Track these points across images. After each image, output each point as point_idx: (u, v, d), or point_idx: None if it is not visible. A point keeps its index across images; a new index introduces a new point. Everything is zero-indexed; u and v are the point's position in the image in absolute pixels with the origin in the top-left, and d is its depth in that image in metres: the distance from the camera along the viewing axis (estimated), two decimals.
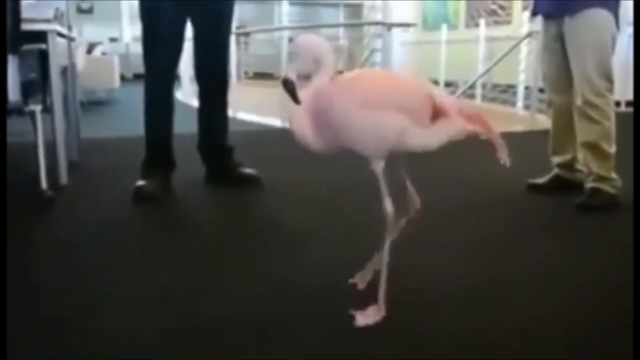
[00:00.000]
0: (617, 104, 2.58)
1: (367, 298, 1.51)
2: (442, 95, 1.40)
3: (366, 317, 1.43)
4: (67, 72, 3.34)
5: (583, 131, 2.55)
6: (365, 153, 1.37)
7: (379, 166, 1.38)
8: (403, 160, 1.50)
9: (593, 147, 2.52)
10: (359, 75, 1.48)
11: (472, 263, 1.90)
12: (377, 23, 5.44)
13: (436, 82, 9.42)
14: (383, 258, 1.44)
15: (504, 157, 1.40)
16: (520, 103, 6.82)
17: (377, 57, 5.02)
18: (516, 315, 1.53)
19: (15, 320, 1.42)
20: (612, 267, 1.89)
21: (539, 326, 1.47)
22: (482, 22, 8.88)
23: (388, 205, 1.41)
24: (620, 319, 1.50)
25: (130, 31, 13.18)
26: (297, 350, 1.34)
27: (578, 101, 2.52)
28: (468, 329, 1.44)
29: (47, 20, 2.68)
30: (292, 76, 1.38)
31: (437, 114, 1.36)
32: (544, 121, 4.37)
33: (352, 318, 1.43)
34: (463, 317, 1.51)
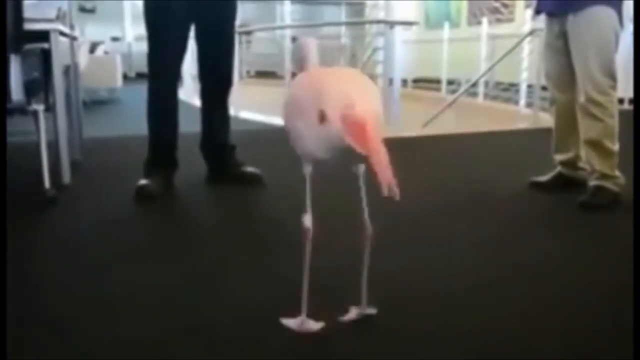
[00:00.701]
0: (621, 101, 2.57)
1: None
2: (338, 97, 1.21)
3: (292, 322, 1.40)
4: (70, 71, 3.35)
5: (586, 129, 2.54)
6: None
7: (306, 170, 1.34)
8: (359, 177, 1.38)
9: (596, 145, 2.52)
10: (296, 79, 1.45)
11: (472, 262, 1.90)
12: (379, 21, 5.42)
13: (438, 81, 9.43)
14: (304, 272, 1.36)
15: (385, 187, 1.10)
16: (522, 101, 6.81)
17: (380, 55, 5.01)
18: (516, 315, 1.52)
19: (15, 321, 1.42)
20: (614, 267, 1.89)
21: (539, 326, 1.46)
22: (484, 20, 8.88)
23: (307, 220, 1.34)
24: (621, 318, 1.50)
25: (132, 31, 13.20)
26: (297, 350, 1.34)
27: (581, 99, 2.51)
28: (467, 329, 1.44)
29: (50, 20, 2.68)
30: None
31: (322, 118, 1.21)
32: (546, 119, 4.36)
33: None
34: (462, 317, 1.51)
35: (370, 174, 1.14)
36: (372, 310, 1.46)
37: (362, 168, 1.37)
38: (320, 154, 1.26)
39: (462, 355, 1.33)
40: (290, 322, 1.41)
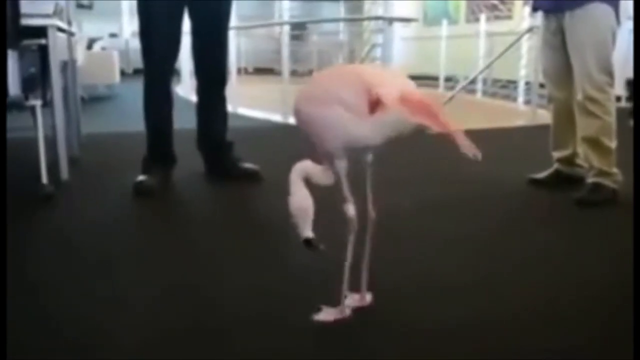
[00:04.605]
0: (618, 98, 2.57)
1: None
2: (387, 84, 1.25)
3: (327, 315, 1.43)
4: (67, 67, 3.34)
5: (584, 126, 2.55)
6: (326, 149, 1.34)
7: (340, 166, 1.34)
8: (367, 165, 1.43)
9: (594, 142, 2.52)
10: (316, 75, 1.50)
11: (468, 257, 1.90)
12: (377, 18, 5.43)
13: (436, 78, 9.44)
14: (347, 261, 1.41)
15: (468, 150, 1.18)
16: (520, 98, 6.82)
17: (378, 52, 5.01)
18: (511, 312, 1.53)
19: (14, 320, 1.41)
20: (611, 263, 1.89)
21: (535, 323, 1.46)
22: (482, 17, 8.87)
23: (350, 209, 1.38)
24: (620, 315, 1.50)
25: (130, 27, 13.16)
26: (297, 347, 1.35)
27: (579, 96, 2.51)
28: (463, 324, 1.45)
29: (47, 16, 2.68)
30: None
31: (375, 105, 1.25)
32: (544, 116, 4.37)
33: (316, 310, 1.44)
34: (457, 312, 1.51)
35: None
36: (369, 298, 1.50)
37: (370, 157, 1.40)
38: (375, 141, 1.29)
39: (456, 349, 1.33)
40: (327, 315, 1.43)
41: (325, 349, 1.33)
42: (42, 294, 1.62)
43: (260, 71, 11.49)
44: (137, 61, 2.81)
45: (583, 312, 1.53)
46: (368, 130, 1.26)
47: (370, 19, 7.30)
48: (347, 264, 1.40)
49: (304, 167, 1.37)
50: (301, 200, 1.34)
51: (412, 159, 3.57)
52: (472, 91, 7.91)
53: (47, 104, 2.75)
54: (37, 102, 2.57)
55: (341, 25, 11.15)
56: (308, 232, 1.34)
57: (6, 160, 2.39)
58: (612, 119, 2.50)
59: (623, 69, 2.76)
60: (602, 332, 1.43)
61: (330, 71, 1.45)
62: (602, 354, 1.33)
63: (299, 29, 10.72)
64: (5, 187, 2.38)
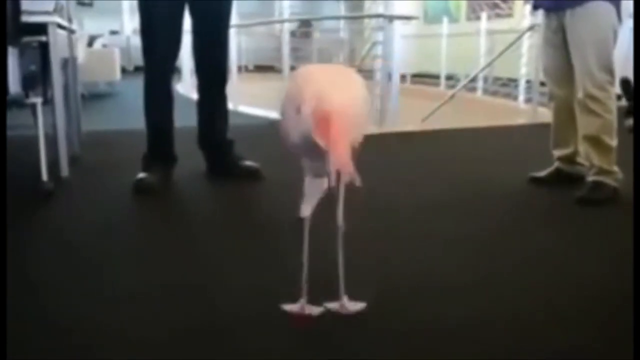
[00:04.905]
0: (619, 97, 2.57)
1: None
2: (313, 91, 1.20)
3: (293, 307, 1.45)
4: (68, 64, 3.34)
5: (584, 124, 2.55)
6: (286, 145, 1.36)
7: (305, 165, 1.40)
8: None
9: (594, 141, 2.52)
10: (292, 73, 1.53)
11: (469, 256, 1.90)
12: (378, 16, 5.41)
13: (437, 76, 9.43)
14: (304, 258, 1.44)
15: (351, 177, 1.11)
16: (521, 96, 6.81)
17: (379, 50, 4.99)
18: (512, 311, 1.53)
19: (14, 319, 1.41)
20: (612, 262, 1.89)
21: (535, 322, 1.46)
22: (483, 15, 8.86)
23: (305, 210, 1.43)
24: (620, 314, 1.50)
25: (130, 24, 13.16)
26: (296, 347, 1.35)
27: (579, 94, 2.51)
28: (463, 324, 1.44)
29: (48, 13, 2.67)
30: None
31: (299, 106, 1.22)
32: (545, 114, 4.37)
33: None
34: (458, 312, 1.51)
35: (326, 166, 1.14)
36: (355, 307, 1.47)
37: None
38: (297, 142, 1.30)
39: (456, 349, 1.33)
40: (291, 307, 1.45)
41: (325, 349, 1.33)
42: (42, 294, 1.62)
43: (261, 69, 11.48)
44: (138, 58, 2.80)
45: (583, 312, 1.53)
46: (292, 127, 1.28)
47: (370, 16, 7.26)
48: (305, 261, 1.44)
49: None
50: (314, 187, 1.43)
51: (413, 159, 3.56)
52: (473, 89, 7.90)
53: (48, 102, 2.75)
54: (38, 100, 2.57)
55: (341, 23, 11.11)
56: (305, 212, 1.43)
57: (6, 158, 2.39)
58: (612, 117, 2.50)
59: (624, 68, 2.75)
60: (602, 332, 1.43)
61: (300, 70, 1.43)
62: (602, 354, 1.33)
63: (306, 26, 10.70)
64: (5, 186, 2.38)
